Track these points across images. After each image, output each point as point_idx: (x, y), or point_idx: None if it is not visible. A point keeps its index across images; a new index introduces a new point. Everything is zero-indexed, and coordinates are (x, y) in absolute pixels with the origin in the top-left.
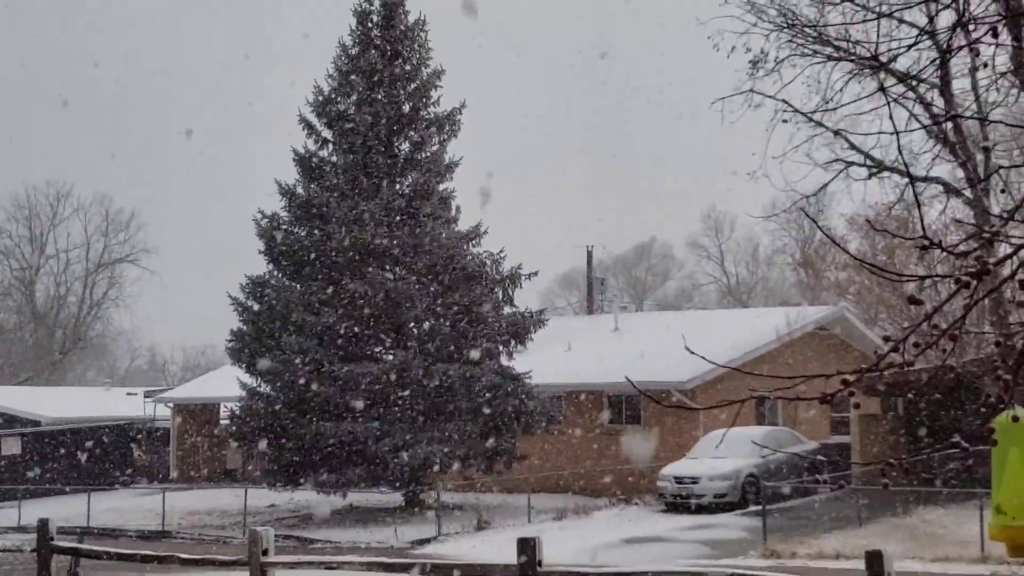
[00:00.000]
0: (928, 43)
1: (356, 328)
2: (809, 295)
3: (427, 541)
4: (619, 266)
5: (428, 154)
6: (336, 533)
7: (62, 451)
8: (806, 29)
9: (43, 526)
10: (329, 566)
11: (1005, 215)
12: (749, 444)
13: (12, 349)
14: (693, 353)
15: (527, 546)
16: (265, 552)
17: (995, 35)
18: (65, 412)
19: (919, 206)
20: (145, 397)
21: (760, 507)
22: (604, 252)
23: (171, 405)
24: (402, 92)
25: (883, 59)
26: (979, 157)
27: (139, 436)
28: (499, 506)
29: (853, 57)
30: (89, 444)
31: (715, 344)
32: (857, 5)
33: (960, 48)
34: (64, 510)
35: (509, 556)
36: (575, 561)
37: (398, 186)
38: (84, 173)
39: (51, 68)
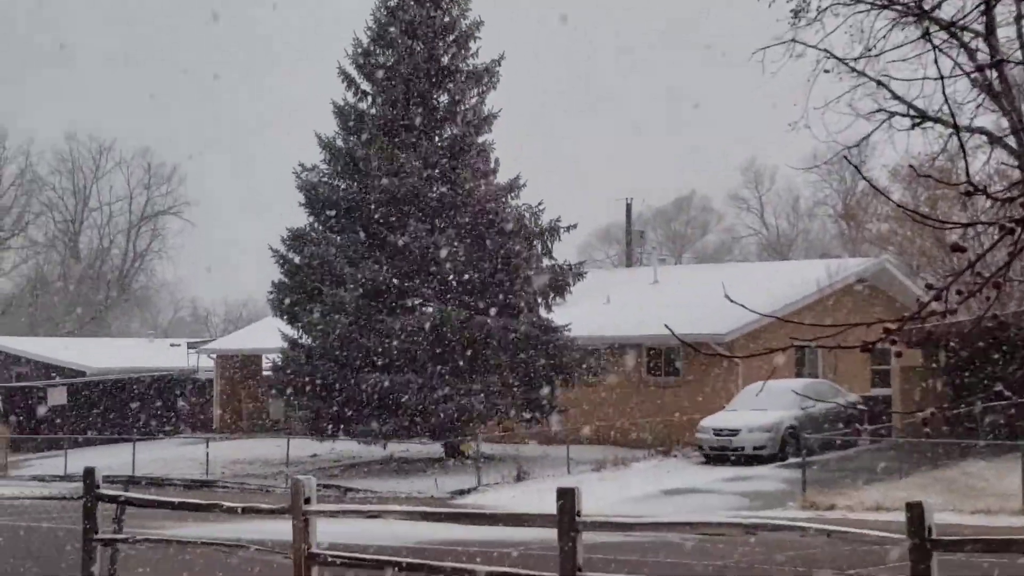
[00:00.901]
0: None
1: (395, 280)
2: (850, 247)
3: (467, 491)
4: (658, 219)
5: (467, 106)
6: (377, 483)
7: (107, 401)
8: None
9: (89, 474)
10: (371, 515)
11: None
12: (789, 396)
13: (57, 300)
14: (733, 301)
15: (566, 496)
16: (307, 501)
17: None
18: (110, 363)
19: (964, 154)
20: (188, 348)
21: (799, 459)
22: (643, 205)
23: (214, 356)
24: (440, 44)
25: (927, 6)
26: None
27: (183, 387)
28: (538, 457)
29: (897, 5)
30: (134, 394)
31: (755, 296)
32: None
33: None
34: (109, 459)
35: (549, 506)
36: (614, 512)
37: (437, 139)
38: (126, 126)
39: (87, 23)
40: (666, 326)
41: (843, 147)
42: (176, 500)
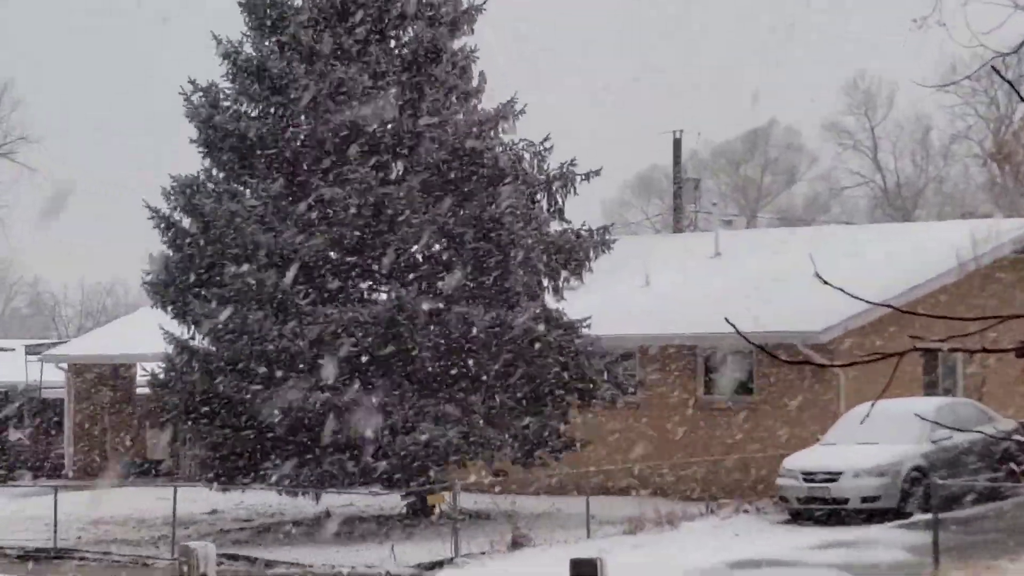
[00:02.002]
0: None
1: (333, 253)
2: (1006, 202)
3: (439, 565)
4: (720, 162)
5: None
6: (307, 552)
7: None
8: None
9: None
10: None
11: None
12: (914, 423)
13: None
14: (828, 284)
15: (584, 571)
16: None
17: None
18: None
19: None
20: (27, 354)
21: (929, 516)
22: (699, 141)
23: (65, 366)
24: None
25: None
26: None
27: (19, 411)
28: (544, 514)
29: None
30: None
31: (863, 274)
32: None
33: None
34: None
35: None
36: None
37: (393, 43)
38: None
39: None
40: (727, 321)
41: (995, 54)
42: None
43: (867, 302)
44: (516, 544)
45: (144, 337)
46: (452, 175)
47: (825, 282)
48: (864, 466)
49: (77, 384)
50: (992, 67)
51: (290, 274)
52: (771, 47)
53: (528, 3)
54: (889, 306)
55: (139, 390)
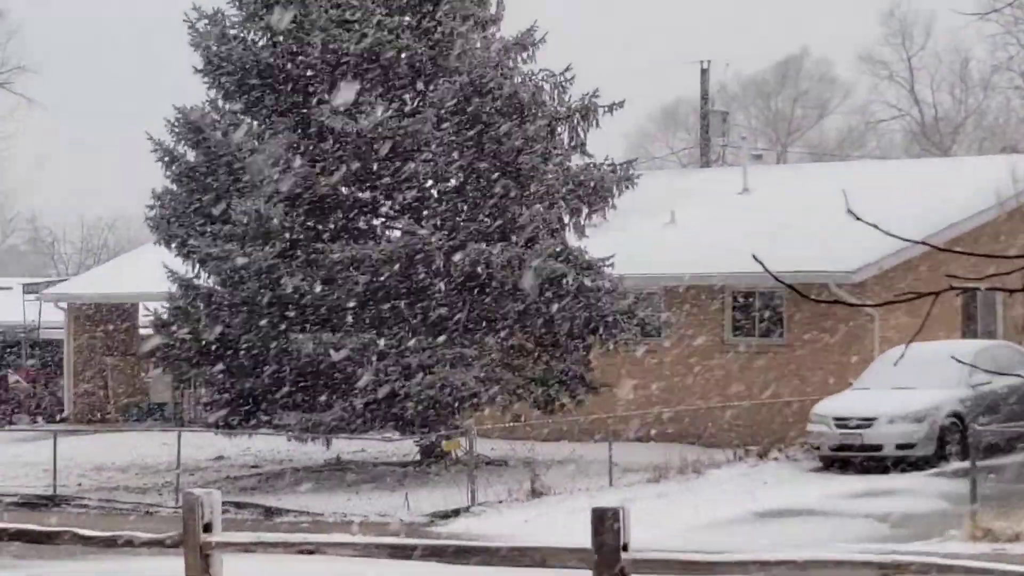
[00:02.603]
0: None
1: (344, 188)
2: None
3: (455, 513)
4: (750, 94)
5: None
6: (317, 500)
7: None
8: None
9: None
10: (306, 549)
11: None
12: (951, 366)
13: None
14: (861, 220)
15: (606, 521)
16: (208, 527)
17: None
18: None
19: None
20: (25, 293)
21: (967, 463)
22: (727, 72)
23: (64, 305)
24: None
25: None
26: None
27: (16, 353)
28: (564, 461)
29: None
30: None
31: (898, 212)
32: None
33: None
34: None
35: (580, 536)
36: (682, 545)
37: None
38: None
39: None
40: (756, 259)
41: None
42: (7, 527)
43: (902, 239)
44: (535, 492)
45: (147, 275)
46: (469, 107)
47: (858, 218)
48: (899, 412)
49: (78, 325)
50: None
51: (300, 210)
52: None
53: None
54: (926, 243)
55: (142, 331)
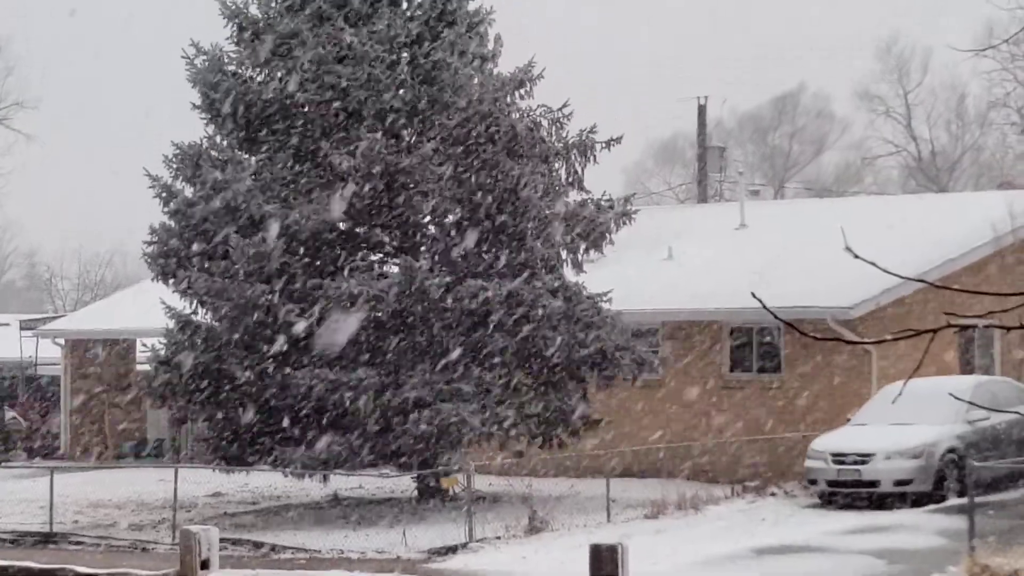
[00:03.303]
0: None
1: (342, 224)
2: None
3: (453, 550)
4: (747, 129)
5: None
6: (314, 536)
7: None
8: None
9: None
10: None
11: None
12: (949, 403)
13: None
14: (859, 258)
15: (605, 558)
16: (205, 565)
17: None
18: None
19: None
20: (22, 329)
21: (966, 500)
22: (724, 108)
23: (61, 342)
24: None
25: None
26: None
27: (13, 389)
28: (562, 497)
29: None
30: None
31: (895, 248)
32: None
33: None
34: None
35: (578, 572)
36: None
37: (405, 6)
38: None
39: None
40: (754, 296)
41: None
42: (9, 565)
43: (900, 276)
44: (533, 528)
45: (145, 312)
46: (467, 143)
47: (856, 256)
48: (897, 448)
49: (75, 361)
50: None
51: (298, 246)
52: (800, 9)
53: None
54: (923, 281)
55: (139, 367)
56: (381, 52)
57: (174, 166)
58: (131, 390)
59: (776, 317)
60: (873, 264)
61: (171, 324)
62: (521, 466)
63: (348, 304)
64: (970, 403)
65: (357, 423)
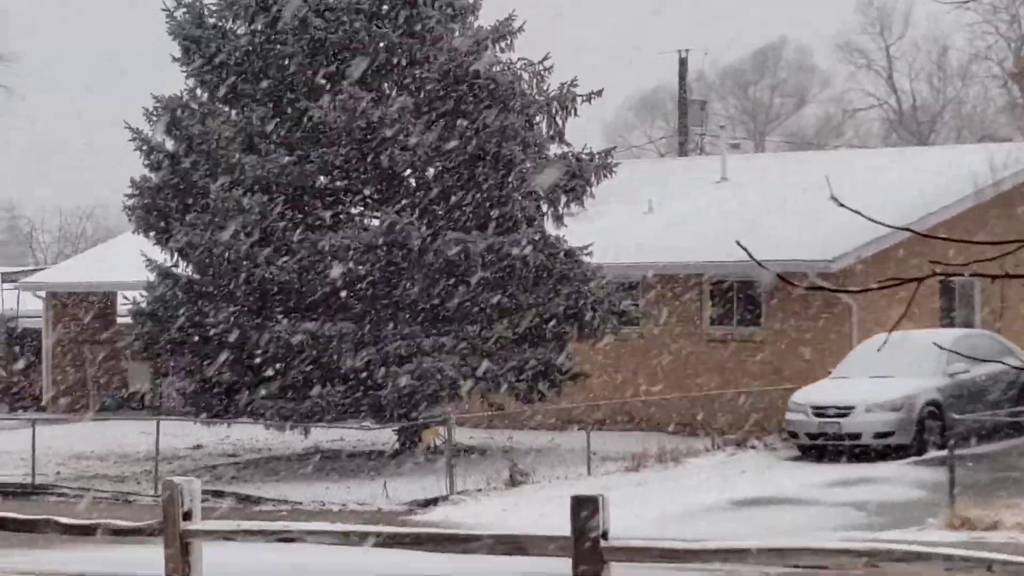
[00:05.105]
0: None
1: (323, 177)
2: None
3: (434, 502)
4: (728, 83)
5: None
6: (295, 488)
7: None
8: None
9: None
10: (285, 537)
11: None
12: (930, 355)
13: None
14: (843, 206)
15: (586, 509)
16: (188, 516)
17: None
18: None
19: None
20: (3, 282)
21: (945, 452)
22: (705, 61)
23: (42, 294)
24: None
25: None
26: None
27: None
28: (543, 450)
29: None
30: None
31: (877, 200)
32: None
33: None
34: None
35: (559, 524)
36: (659, 532)
37: None
38: None
39: None
40: (739, 244)
41: None
42: None
43: (885, 225)
44: (514, 481)
45: (126, 264)
46: (447, 96)
47: (841, 204)
48: (877, 400)
49: (56, 313)
50: None
51: (279, 198)
52: None
53: None
54: (907, 229)
55: (120, 319)
56: (361, 5)
57: (155, 119)
58: (113, 342)
59: (761, 266)
60: (858, 213)
61: (152, 277)
62: (502, 419)
63: (331, 257)
64: (952, 352)
65: (338, 376)
